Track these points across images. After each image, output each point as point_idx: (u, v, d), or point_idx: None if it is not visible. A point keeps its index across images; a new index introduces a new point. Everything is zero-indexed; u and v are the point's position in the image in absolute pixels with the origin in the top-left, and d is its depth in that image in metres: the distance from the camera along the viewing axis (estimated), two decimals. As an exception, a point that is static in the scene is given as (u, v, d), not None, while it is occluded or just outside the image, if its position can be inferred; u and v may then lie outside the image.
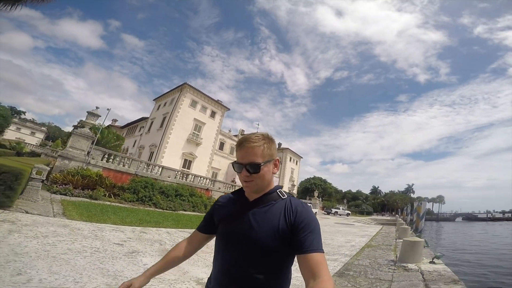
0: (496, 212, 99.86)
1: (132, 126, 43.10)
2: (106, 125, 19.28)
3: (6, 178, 4.94)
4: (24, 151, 27.36)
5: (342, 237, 11.30)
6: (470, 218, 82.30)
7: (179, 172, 17.29)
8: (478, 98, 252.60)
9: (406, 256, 5.50)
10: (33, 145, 36.78)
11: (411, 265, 5.18)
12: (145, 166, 15.51)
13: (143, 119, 40.48)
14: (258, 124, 56.23)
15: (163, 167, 16.24)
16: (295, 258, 0.97)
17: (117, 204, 10.35)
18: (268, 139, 1.03)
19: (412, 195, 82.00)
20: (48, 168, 8.39)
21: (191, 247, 1.16)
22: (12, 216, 4.66)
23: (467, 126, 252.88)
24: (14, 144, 27.95)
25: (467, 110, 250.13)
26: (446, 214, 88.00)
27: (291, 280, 1.02)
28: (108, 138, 16.39)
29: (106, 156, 13.62)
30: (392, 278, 4.43)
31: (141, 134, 36.34)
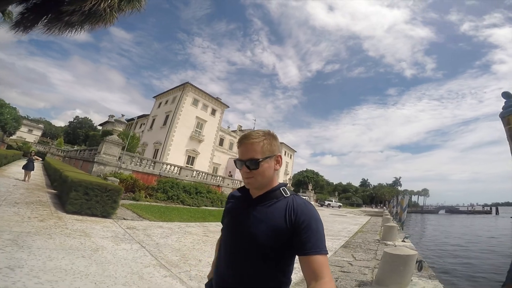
0: (478, 205, 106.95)
1: (131, 122, 44.65)
2: (130, 132, 21.40)
3: (112, 194, 7.11)
4: (30, 150, 28.82)
5: (339, 225, 14.31)
6: (452, 211, 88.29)
7: (195, 171, 19.71)
8: (465, 93, 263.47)
9: (386, 236, 8.28)
10: (32, 143, 37.92)
11: (389, 242, 7.97)
12: (167, 167, 17.85)
13: (143, 116, 42.19)
14: (255, 120, 58.65)
15: (181, 168, 18.61)
16: (296, 257, 0.98)
17: (156, 203, 12.74)
18: (268, 135, 1.06)
19: (399, 187, 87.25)
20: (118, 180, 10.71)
21: None
22: (127, 223, 6.86)
23: (453, 120, 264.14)
24: (21, 144, 29.31)
25: (454, 104, 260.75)
26: (431, 206, 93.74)
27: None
28: (133, 144, 18.59)
29: (134, 160, 15.90)
30: (377, 248, 7.18)
31: (142, 131, 38.17)
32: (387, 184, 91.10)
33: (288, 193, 1.05)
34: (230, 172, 34.80)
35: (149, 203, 12.51)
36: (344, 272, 4.66)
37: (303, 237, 0.91)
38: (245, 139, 1.04)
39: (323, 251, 0.89)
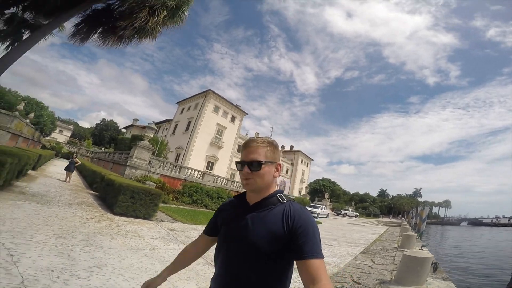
0: (504, 217, 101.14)
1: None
2: (158, 137, 22.76)
3: (154, 198, 7.94)
4: (62, 151, 30.98)
5: (357, 233, 14.58)
6: (475, 223, 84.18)
7: (217, 177, 20.58)
8: (493, 101, 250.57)
9: (404, 245, 8.61)
10: (63, 143, 40.51)
11: (407, 250, 8.29)
12: (191, 172, 18.81)
13: (166, 121, 44.03)
14: (272, 128, 59.33)
15: (204, 173, 19.53)
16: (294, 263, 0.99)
17: (183, 206, 13.62)
18: (272, 144, 1.11)
19: (419, 199, 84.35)
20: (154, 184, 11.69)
21: (198, 250, 1.26)
22: (166, 225, 7.71)
23: (480, 130, 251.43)
24: (54, 145, 31.59)
25: (481, 113, 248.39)
26: (452, 218, 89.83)
27: (291, 282, 1.05)
28: (161, 149, 19.80)
29: (162, 164, 16.97)
30: (395, 255, 7.56)
31: (165, 136, 39.80)
32: (406, 195, 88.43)
33: (285, 199, 1.07)
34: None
35: (176, 206, 13.40)
36: (365, 273, 5.18)
37: (300, 242, 0.93)
38: (250, 142, 1.09)
39: (319, 255, 0.92)
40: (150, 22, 9.21)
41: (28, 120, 19.93)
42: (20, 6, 9.06)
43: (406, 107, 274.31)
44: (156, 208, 7.98)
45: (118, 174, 14.98)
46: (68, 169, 12.40)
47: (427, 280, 4.59)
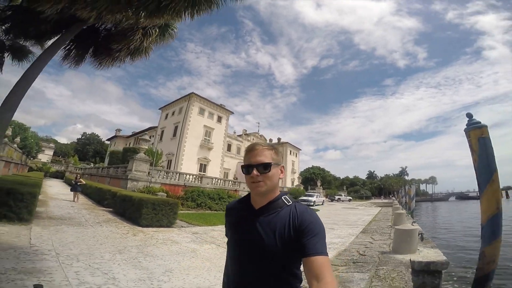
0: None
1: (139, 135, 46.50)
2: (153, 147, 23.29)
3: (172, 207, 8.80)
4: (50, 171, 30.67)
5: (353, 216, 16.14)
6: (462, 197, 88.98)
7: (214, 179, 21.49)
8: (462, 78, 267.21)
9: (396, 222, 9.99)
10: (47, 162, 39.76)
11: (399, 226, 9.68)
12: (189, 177, 19.60)
13: (150, 128, 44.01)
14: (259, 123, 60.35)
15: (202, 176, 20.39)
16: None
17: (189, 211, 14.50)
18: (275, 147, 1.16)
19: (406, 177, 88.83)
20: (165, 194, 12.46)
21: None
22: (189, 230, 8.60)
23: (453, 106, 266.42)
24: (40, 166, 31.20)
25: (452, 90, 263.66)
26: (440, 194, 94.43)
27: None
28: (157, 158, 20.43)
29: (161, 173, 17.69)
30: (390, 232, 8.90)
31: (152, 143, 39.92)
32: (394, 174, 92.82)
33: (290, 201, 1.11)
34: (236, 177, 36.41)
35: (184, 211, 14.24)
36: (367, 247, 6.41)
37: (305, 240, 0.97)
38: (256, 145, 1.12)
39: (324, 253, 0.94)
40: (144, 42, 9.90)
41: (15, 145, 19.91)
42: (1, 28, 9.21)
43: (382, 89, 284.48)
44: (176, 216, 8.90)
45: (119, 187, 15.60)
46: (74, 189, 12.95)
47: (418, 249, 5.84)
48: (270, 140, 56.21)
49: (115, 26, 9.98)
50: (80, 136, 57.46)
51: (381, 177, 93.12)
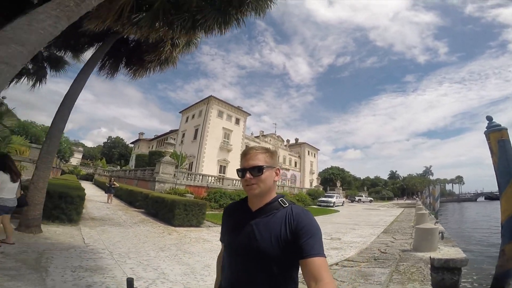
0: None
1: (161, 138, 48.37)
2: (176, 151, 24.44)
3: (201, 208, 9.49)
4: (81, 173, 32.75)
5: (375, 217, 16.23)
6: (492, 197, 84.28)
7: (234, 180, 22.21)
8: (488, 73, 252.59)
9: (418, 222, 10.13)
10: (77, 165, 42.34)
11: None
12: (212, 179, 20.43)
13: (172, 131, 45.67)
14: (276, 124, 60.65)
15: (223, 178, 21.17)
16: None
17: (213, 211, 15.21)
18: (270, 151, 1.18)
19: (430, 177, 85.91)
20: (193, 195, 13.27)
21: None
22: (216, 229, 9.14)
23: (480, 101, 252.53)
24: (72, 169, 33.41)
25: (478, 85, 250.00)
26: (468, 194, 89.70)
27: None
28: (182, 161, 21.43)
29: (186, 175, 18.61)
30: (412, 232, 9.10)
31: (174, 146, 41.49)
32: (417, 174, 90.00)
33: (287, 203, 1.13)
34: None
35: (208, 212, 14.99)
36: (388, 246, 6.75)
37: (302, 242, 0.97)
38: (249, 150, 1.16)
39: (321, 254, 0.95)
40: (173, 53, 10.63)
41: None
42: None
43: (403, 86, 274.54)
44: (204, 216, 9.59)
45: (147, 189, 16.62)
46: (108, 191, 14.06)
47: (439, 247, 6.11)
48: (288, 141, 56.37)
49: (146, 38, 10.67)
50: (106, 140, 60.98)
51: (403, 177, 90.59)
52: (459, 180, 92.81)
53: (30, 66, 10.26)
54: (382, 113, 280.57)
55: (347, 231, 10.04)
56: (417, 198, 45.07)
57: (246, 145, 41.48)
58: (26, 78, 10.10)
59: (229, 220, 1.21)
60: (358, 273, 4.66)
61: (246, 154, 1.15)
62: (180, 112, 43.56)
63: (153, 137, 51.73)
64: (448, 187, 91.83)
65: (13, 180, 4.43)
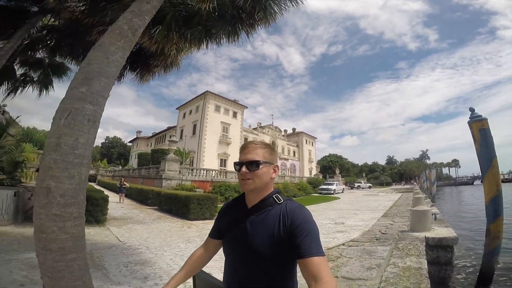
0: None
1: (160, 135, 48.80)
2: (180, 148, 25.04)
3: (213, 201, 10.29)
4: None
5: (374, 202, 17.23)
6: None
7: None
8: (480, 58, 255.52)
9: (415, 205, 11.01)
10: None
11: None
12: (215, 173, 21.18)
13: (170, 128, 46.06)
14: (272, 115, 61.14)
15: (226, 171, 21.92)
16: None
17: (220, 204, 15.95)
18: (269, 146, 1.16)
19: (427, 161, 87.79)
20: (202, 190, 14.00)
21: (208, 253, 1.29)
22: None
23: (473, 86, 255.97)
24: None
25: (470, 70, 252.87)
26: (465, 177, 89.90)
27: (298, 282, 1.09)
28: (186, 157, 22.09)
29: (190, 171, 19.32)
30: (409, 215, 9.96)
31: (167, 141, 42.00)
32: (414, 158, 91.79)
33: (282, 199, 1.12)
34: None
35: (215, 205, 15.81)
36: (388, 228, 7.58)
37: (298, 240, 0.97)
38: (248, 143, 1.15)
39: (319, 253, 0.95)
40: (178, 57, 11.09)
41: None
42: (47, 49, 10.16)
43: (396, 72, 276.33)
44: (216, 209, 10.37)
45: (154, 186, 17.33)
46: (120, 191, 14.73)
47: (433, 228, 6.93)
48: (285, 131, 57.09)
49: (162, 49, 10.91)
50: (103, 140, 61.32)
51: (401, 162, 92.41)
52: (455, 163, 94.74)
53: (33, 75, 10.66)
54: (376, 99, 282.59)
55: (350, 216, 10.91)
56: (415, 183, 46.44)
57: (244, 138, 42.09)
58: (30, 87, 10.57)
59: (225, 218, 1.22)
60: (363, 250, 5.46)
61: (245, 147, 1.15)
62: (176, 109, 43.88)
63: (151, 134, 52.10)
64: (445, 171, 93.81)
65: None
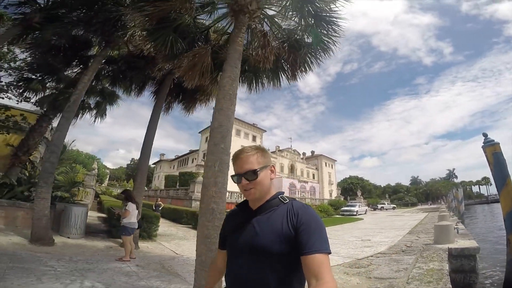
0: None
1: (183, 158, 50.91)
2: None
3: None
4: (112, 194, 35.22)
5: (399, 222, 17.48)
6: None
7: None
8: (501, 69, 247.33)
9: (440, 221, 11.38)
10: (106, 186, 45.22)
11: (443, 227, 11.09)
12: (238, 195, 22.15)
13: (192, 152, 48.14)
14: (291, 138, 62.05)
15: (250, 193, 22.85)
16: None
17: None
18: (259, 149, 1.17)
19: (455, 180, 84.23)
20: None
21: (221, 264, 1.29)
22: None
23: (498, 98, 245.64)
24: (104, 190, 35.99)
25: (493, 82, 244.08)
26: (497, 195, 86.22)
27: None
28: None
29: (217, 192, 20.45)
30: (433, 229, 10.39)
31: (196, 165, 43.67)
32: (440, 178, 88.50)
33: (287, 199, 1.13)
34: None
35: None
36: (413, 242, 8.16)
37: (303, 237, 0.98)
38: (240, 154, 1.14)
39: (323, 250, 0.95)
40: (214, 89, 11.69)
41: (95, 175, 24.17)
42: (108, 79, 10.47)
43: (414, 88, 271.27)
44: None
45: (182, 206, 18.47)
46: (156, 210, 15.97)
47: (456, 240, 7.47)
48: (304, 153, 57.48)
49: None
50: (127, 161, 64.93)
51: (426, 182, 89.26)
52: (485, 181, 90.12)
53: (90, 102, 11.37)
54: (396, 117, 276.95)
55: (375, 234, 11.40)
56: (442, 202, 44.93)
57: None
58: (88, 113, 11.33)
59: (230, 224, 1.24)
60: (390, 260, 6.17)
61: (237, 158, 1.15)
62: (199, 132, 46.08)
63: (174, 157, 54.37)
64: (475, 189, 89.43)
65: (137, 208, 6.25)
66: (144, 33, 5.86)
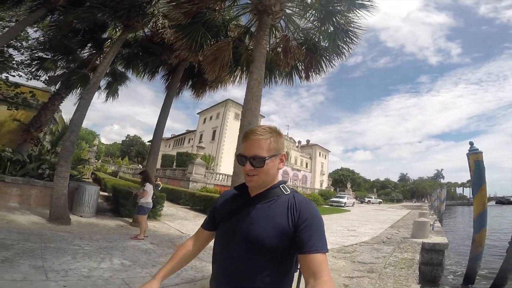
0: None
1: (179, 137, 51.34)
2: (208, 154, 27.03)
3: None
4: (107, 171, 35.77)
5: (383, 216, 18.74)
6: (503, 201, 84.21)
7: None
8: (507, 74, 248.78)
9: (419, 217, 12.50)
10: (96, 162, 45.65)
11: (422, 223, 12.20)
12: (235, 179, 23.08)
13: (188, 132, 48.53)
14: (288, 126, 62.54)
15: (245, 178, 23.74)
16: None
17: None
18: (275, 132, 1.06)
19: (441, 180, 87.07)
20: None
21: (198, 245, 1.22)
22: None
23: (498, 103, 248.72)
24: (99, 166, 36.44)
25: (496, 87, 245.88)
26: None
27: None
28: (211, 162, 24.14)
29: (214, 176, 21.26)
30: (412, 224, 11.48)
31: (192, 146, 44.29)
32: (428, 177, 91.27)
33: (288, 190, 1.07)
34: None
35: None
36: (393, 235, 9.17)
37: (305, 235, 0.94)
38: (252, 134, 1.03)
39: (323, 249, 0.92)
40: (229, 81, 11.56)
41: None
42: (122, 62, 10.68)
43: (416, 87, 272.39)
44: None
45: (179, 187, 19.26)
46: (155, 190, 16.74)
47: (430, 236, 8.48)
48: (299, 142, 58.50)
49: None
50: (121, 137, 64.98)
51: (414, 180, 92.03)
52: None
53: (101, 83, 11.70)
54: (394, 114, 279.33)
55: (360, 225, 12.46)
56: (426, 201, 46.97)
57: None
58: (98, 92, 11.28)
59: (224, 206, 1.16)
60: (372, 248, 7.12)
61: (247, 138, 1.05)
62: (198, 114, 46.34)
63: (170, 136, 54.66)
64: (459, 190, 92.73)
65: (153, 188, 6.88)
66: (173, 29, 6.23)
